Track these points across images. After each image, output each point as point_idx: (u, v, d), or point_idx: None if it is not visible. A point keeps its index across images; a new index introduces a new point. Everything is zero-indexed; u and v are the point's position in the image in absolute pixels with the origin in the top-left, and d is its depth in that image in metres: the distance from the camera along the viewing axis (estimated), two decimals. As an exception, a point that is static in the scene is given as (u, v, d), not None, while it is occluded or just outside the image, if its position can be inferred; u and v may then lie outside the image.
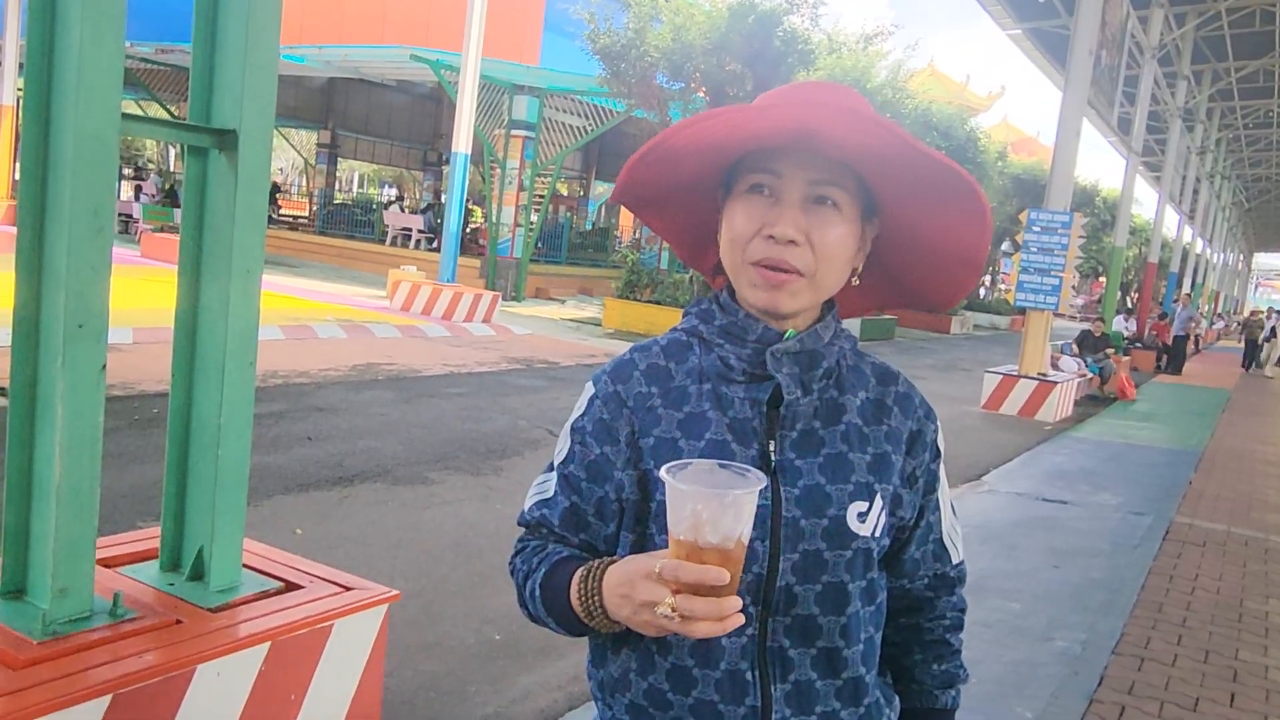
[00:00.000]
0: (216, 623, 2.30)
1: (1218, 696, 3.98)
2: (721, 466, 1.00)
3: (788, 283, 1.11)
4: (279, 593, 2.52)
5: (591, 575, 1.07)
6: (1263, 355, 25.30)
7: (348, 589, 2.60)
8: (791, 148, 1.09)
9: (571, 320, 17.37)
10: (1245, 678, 4.21)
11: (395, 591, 2.67)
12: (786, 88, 1.17)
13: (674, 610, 0.94)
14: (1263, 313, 27.89)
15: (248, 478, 2.53)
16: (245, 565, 2.58)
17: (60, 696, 1.89)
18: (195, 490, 2.49)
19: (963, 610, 1.32)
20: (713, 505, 0.93)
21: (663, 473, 0.97)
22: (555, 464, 1.23)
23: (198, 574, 2.48)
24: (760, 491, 1.07)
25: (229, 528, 2.48)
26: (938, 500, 1.26)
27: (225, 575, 2.48)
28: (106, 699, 1.96)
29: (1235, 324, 52.17)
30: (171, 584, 2.47)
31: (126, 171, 33.99)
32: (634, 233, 29.01)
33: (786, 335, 1.15)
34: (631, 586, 1.00)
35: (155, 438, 6.11)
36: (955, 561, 1.29)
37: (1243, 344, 27.67)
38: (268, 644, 2.31)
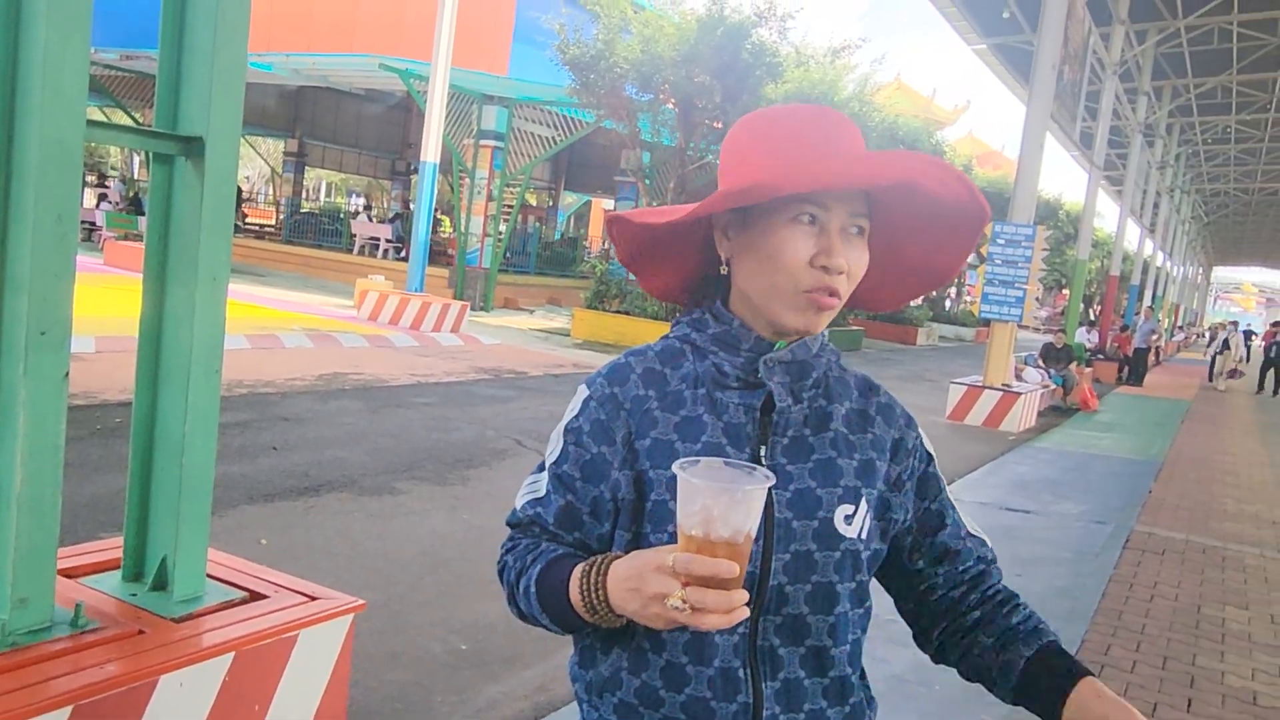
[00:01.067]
0: (180, 633, 2.28)
1: (1175, 702, 4.04)
2: (728, 464, 1.03)
3: (832, 306, 1.16)
4: (243, 602, 2.51)
5: (595, 569, 1.09)
6: (1215, 368, 24.75)
7: (313, 599, 2.59)
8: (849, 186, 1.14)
9: (540, 330, 17.35)
10: (1202, 684, 4.28)
11: (361, 601, 2.66)
12: (817, 123, 1.18)
13: (685, 602, 0.97)
14: (1223, 326, 27.23)
15: (212, 487, 2.51)
16: (209, 575, 2.57)
17: (20, 708, 1.87)
18: (159, 499, 2.47)
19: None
20: (724, 500, 0.96)
21: (675, 467, 0.99)
22: (547, 464, 1.25)
23: (161, 584, 2.46)
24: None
25: (193, 537, 2.46)
26: (949, 500, 1.31)
27: (189, 585, 2.46)
28: (67, 710, 1.94)
29: (1196, 336, 53.02)
30: (134, 594, 2.44)
31: (90, 179, 33.56)
32: (603, 243, 29.02)
33: (777, 346, 1.20)
34: (641, 580, 1.02)
35: (118, 447, 6.04)
36: (990, 545, 1.34)
37: (1209, 358, 26.87)
38: (231, 654, 2.30)
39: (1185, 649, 4.69)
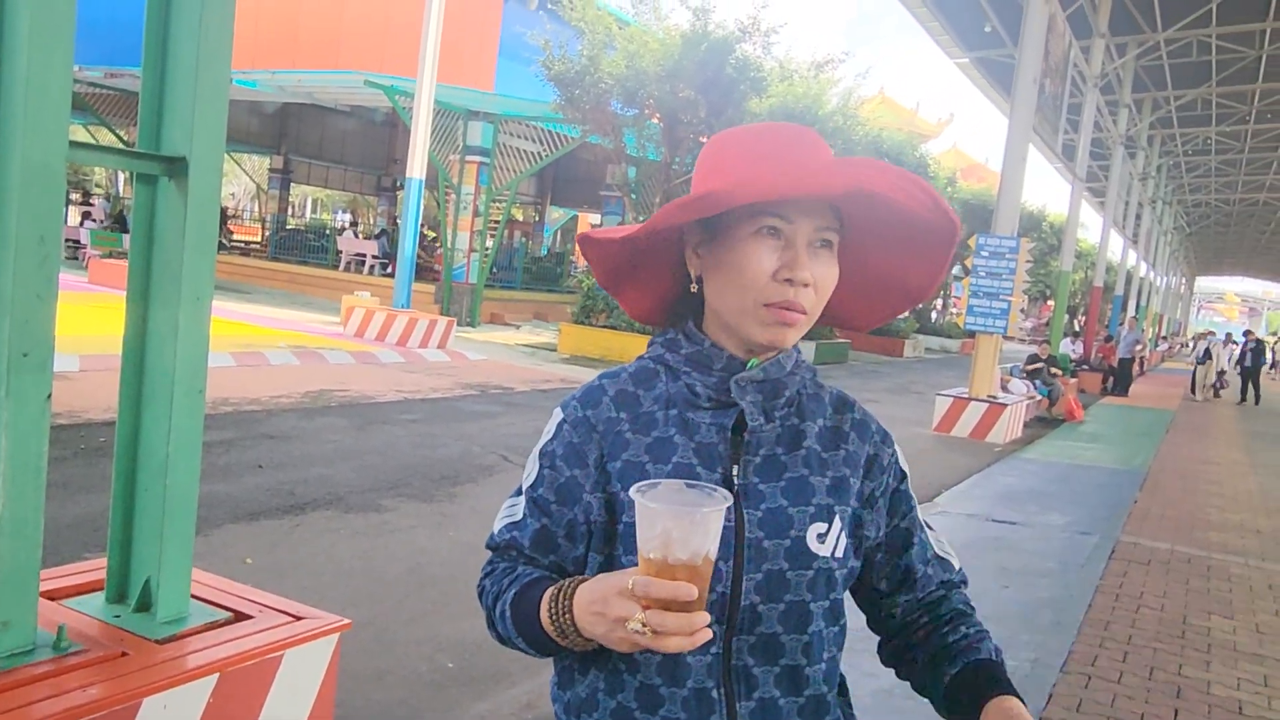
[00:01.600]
0: (164, 654, 2.27)
1: (1162, 713, 4.06)
2: (689, 486, 1.04)
3: (798, 321, 1.15)
4: (228, 623, 2.49)
5: (563, 593, 1.10)
6: (1195, 380, 24.08)
7: (298, 618, 2.57)
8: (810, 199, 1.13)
9: (526, 345, 17.35)
10: (1189, 694, 4.29)
11: (346, 620, 2.65)
12: (785, 138, 1.18)
13: (645, 626, 0.97)
14: (1204, 336, 26.51)
15: (196, 507, 2.50)
16: (194, 596, 2.55)
17: (1, 732, 1.85)
18: (142, 520, 2.45)
19: (968, 603, 1.33)
20: (683, 523, 0.97)
21: (632, 492, 1.00)
22: (524, 488, 1.25)
23: (144, 605, 2.45)
24: (725, 513, 1.10)
25: (177, 558, 2.45)
26: (919, 519, 1.31)
27: (173, 606, 2.44)
28: (49, 734, 1.93)
29: (1180, 345, 53.25)
30: (117, 616, 2.43)
31: (74, 197, 33.43)
32: (589, 258, 29.02)
33: (750, 364, 1.20)
34: (605, 603, 1.03)
35: (102, 467, 6.01)
36: (957, 568, 1.33)
37: (1193, 368, 25.85)
38: (216, 675, 2.28)
39: (1171, 659, 4.71)
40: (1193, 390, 24.56)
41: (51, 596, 2.45)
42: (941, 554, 1.32)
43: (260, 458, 6.87)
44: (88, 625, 2.34)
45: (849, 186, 1.10)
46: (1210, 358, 23.75)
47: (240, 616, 2.53)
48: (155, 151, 2.37)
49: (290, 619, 2.56)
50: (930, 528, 1.34)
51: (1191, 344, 29.88)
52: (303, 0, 22.87)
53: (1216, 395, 24.59)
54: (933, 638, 1.28)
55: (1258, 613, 5.69)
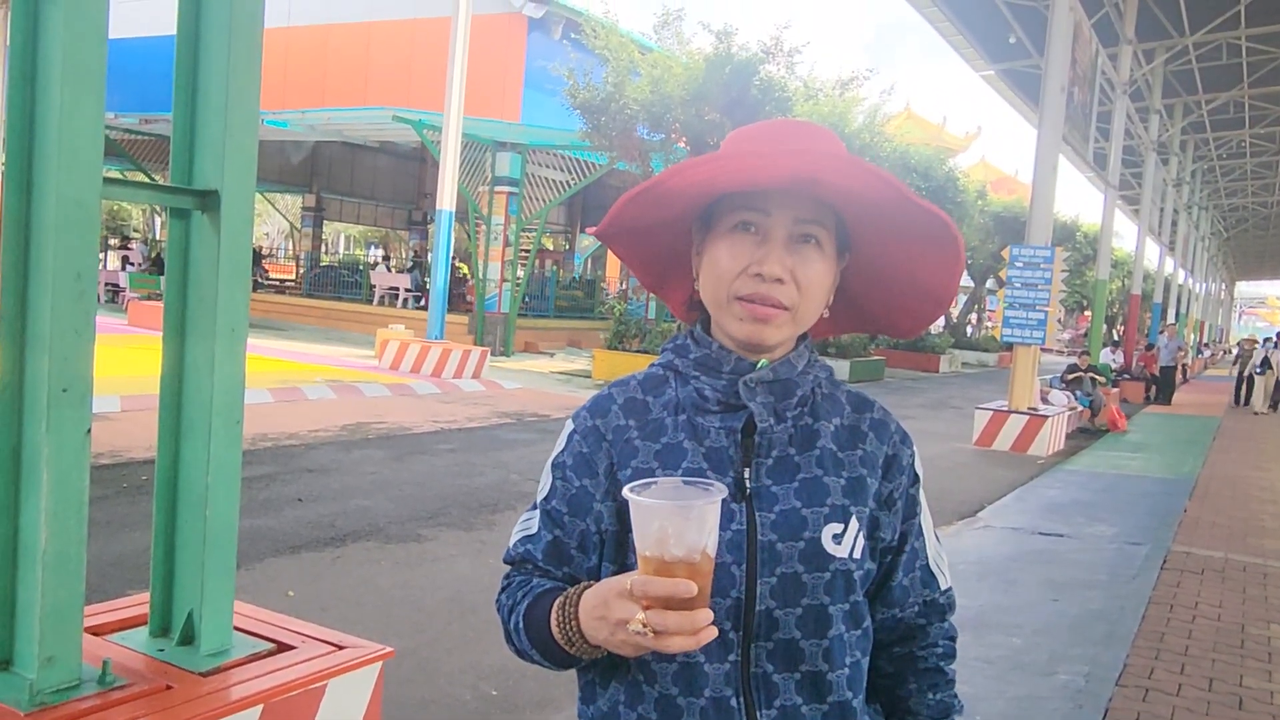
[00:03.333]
0: (207, 687, 2.26)
1: (1224, 725, 3.95)
2: (686, 483, 1.02)
3: (774, 317, 1.13)
4: (271, 654, 2.49)
5: (568, 601, 1.09)
6: (1254, 392, 21.63)
7: (340, 648, 2.57)
8: (783, 189, 1.12)
9: (561, 373, 17.38)
10: (1251, 704, 4.17)
11: (389, 649, 2.64)
12: (770, 130, 1.19)
13: (645, 626, 0.95)
14: (1257, 340, 24.47)
15: (236, 538, 2.50)
16: (236, 627, 2.55)
17: (48, 767, 1.85)
18: (183, 552, 2.46)
19: (954, 638, 1.31)
20: (676, 519, 0.95)
21: (625, 491, 0.99)
22: (538, 501, 1.25)
23: (188, 638, 2.45)
24: (736, 517, 1.09)
25: (219, 589, 2.45)
26: (920, 525, 1.27)
27: (216, 638, 2.45)
28: (96, 768, 1.93)
29: (1223, 352, 52.26)
30: (161, 649, 2.43)
31: (113, 241, 34.09)
32: (621, 284, 29.14)
33: (759, 365, 1.18)
34: (606, 607, 1.01)
35: (144, 505, 6.06)
36: (944, 588, 1.29)
37: (1235, 376, 24.26)
38: (260, 706, 2.28)
39: (1231, 670, 4.59)
40: (1238, 401, 22.90)
41: (96, 632, 2.46)
42: (933, 568, 1.28)
43: (300, 491, 6.91)
44: (132, 659, 2.35)
45: (793, 174, 1.08)
46: (1271, 367, 21.32)
47: (283, 647, 2.53)
48: (188, 186, 2.39)
49: (333, 649, 2.55)
50: (937, 539, 1.31)
51: (1235, 351, 27.82)
52: (330, 40, 23.26)
53: (1275, 408, 22.04)
54: (899, 689, 1.28)
55: (1318, 620, 5.54)
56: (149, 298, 20.66)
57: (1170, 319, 31.32)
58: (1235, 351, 28.73)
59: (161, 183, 2.49)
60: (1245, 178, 36.86)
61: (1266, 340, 23.14)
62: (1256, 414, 20.57)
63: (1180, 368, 24.77)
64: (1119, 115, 19.43)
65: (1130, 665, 4.55)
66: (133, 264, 25.84)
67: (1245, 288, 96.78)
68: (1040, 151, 12.99)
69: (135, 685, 2.20)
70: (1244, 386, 22.83)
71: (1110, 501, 9.11)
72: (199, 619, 2.42)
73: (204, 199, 2.37)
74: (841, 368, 20.35)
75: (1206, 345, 49.37)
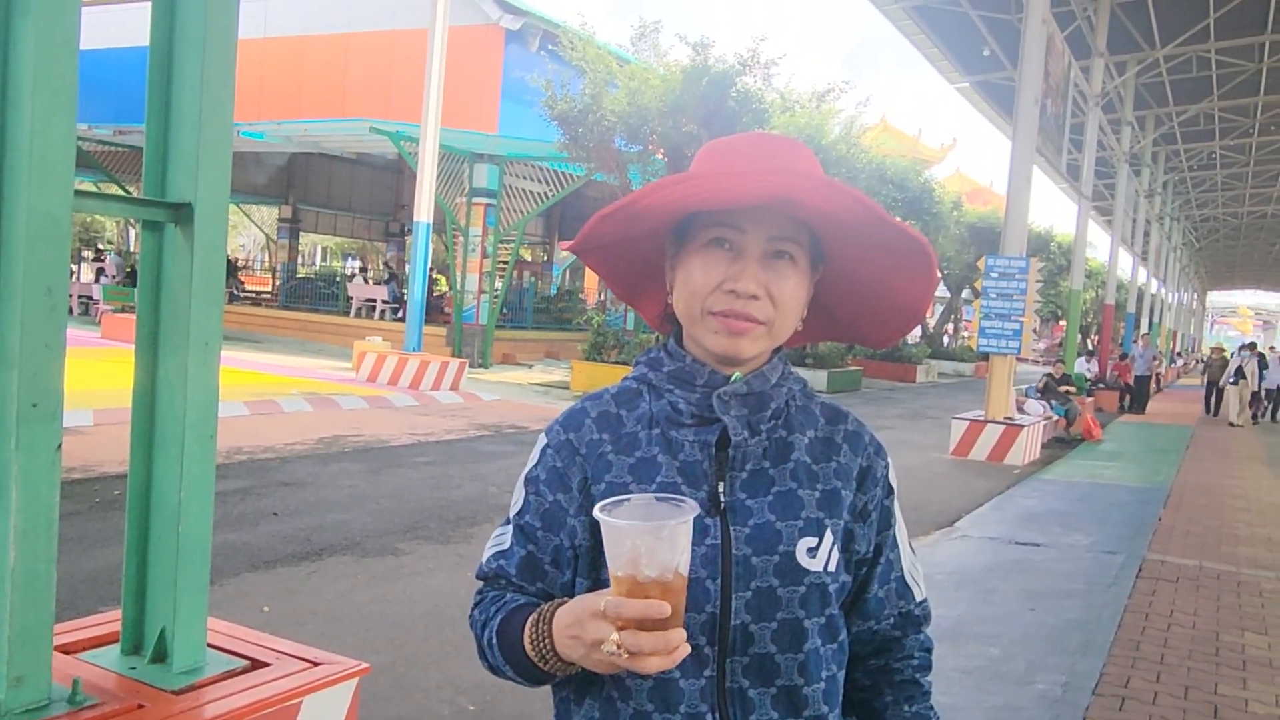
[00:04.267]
0: (180, 705, 2.23)
1: (1200, 732, 3.97)
2: (659, 500, 1.02)
3: (749, 330, 1.13)
4: (245, 671, 2.46)
5: (542, 619, 1.09)
6: (1226, 402, 21.18)
7: (315, 664, 2.54)
8: (757, 206, 1.12)
9: (539, 384, 17.34)
10: (1226, 712, 4.20)
11: (365, 665, 2.62)
12: (744, 145, 1.19)
13: (619, 647, 0.95)
14: (1225, 350, 24.21)
15: (210, 554, 2.48)
16: (210, 645, 2.52)
17: (16, 790, 1.82)
18: (156, 569, 2.43)
19: (929, 650, 1.31)
20: (648, 539, 0.94)
21: (596, 511, 0.98)
22: (510, 516, 1.24)
23: (160, 656, 2.42)
24: (710, 531, 1.08)
25: (192, 607, 2.42)
26: (895, 537, 1.27)
27: (189, 656, 2.41)
28: (65, 790, 1.89)
29: (1196, 361, 52.72)
30: (133, 667, 2.40)
31: (87, 254, 33.80)
32: (599, 295, 29.15)
33: (733, 379, 1.17)
34: (581, 627, 1.01)
35: (117, 521, 5.99)
36: (919, 599, 1.29)
37: (1204, 385, 24.22)
38: (234, 725, 2.25)
39: (1207, 677, 4.62)
40: (1208, 410, 22.69)
41: (66, 650, 2.42)
42: (908, 580, 1.28)
43: (276, 505, 6.85)
44: (103, 678, 2.32)
45: (768, 195, 1.08)
46: (1244, 376, 20.66)
47: (257, 664, 2.50)
48: (161, 198, 2.37)
49: (308, 665, 2.53)
50: (912, 550, 1.31)
51: (1205, 361, 27.29)
52: (307, 51, 23.17)
53: (1255, 419, 21.86)
54: (875, 702, 1.28)
55: (1291, 627, 5.59)
56: (122, 310, 20.49)
57: (1144, 328, 31.63)
58: (1202, 362, 28.58)
59: (135, 195, 2.47)
60: (1215, 189, 37.32)
61: (1241, 349, 22.57)
62: (1233, 425, 20.02)
63: (1154, 377, 24.98)
64: (1091, 127, 19.64)
65: (1107, 674, 4.57)
66: (106, 276, 25.61)
67: (1216, 297, 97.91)
68: (1014, 163, 13.11)
69: (106, 705, 2.17)
70: (1214, 396, 22.62)
71: (1086, 510, 9.17)
72: (171, 636, 2.39)
73: (177, 211, 2.35)
74: (819, 378, 20.41)
75: (1180, 354, 49.86)
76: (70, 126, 2.05)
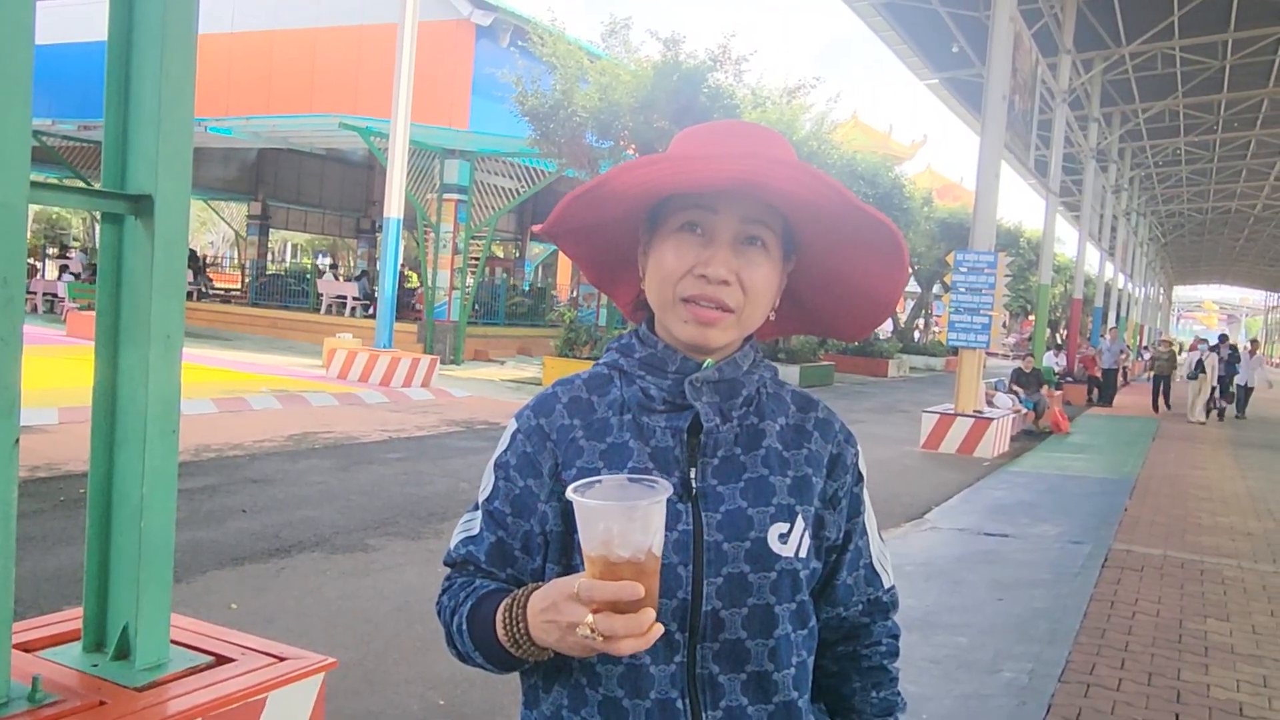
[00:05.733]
0: (143, 702, 2.21)
1: (1163, 718, 4.03)
2: (632, 481, 1.01)
3: (718, 320, 1.13)
4: (209, 667, 2.44)
5: (516, 603, 1.08)
6: (1189, 397, 19.93)
7: (281, 659, 2.52)
8: (729, 190, 1.12)
9: (511, 380, 17.30)
10: (1188, 698, 4.26)
11: (331, 659, 2.60)
12: (719, 131, 1.19)
13: (593, 630, 0.95)
14: (1172, 342, 23.23)
15: (173, 549, 2.45)
16: (173, 641, 2.50)
17: (-26, 788, 1.80)
18: (118, 565, 2.41)
19: (897, 636, 1.32)
20: (620, 520, 0.94)
21: (569, 491, 0.98)
22: (479, 501, 1.23)
23: (123, 653, 2.39)
24: (682, 517, 1.08)
25: (155, 602, 2.40)
26: (864, 524, 1.27)
27: (152, 652, 2.39)
28: (25, 788, 1.87)
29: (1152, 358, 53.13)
30: (95, 665, 2.37)
31: (52, 250, 33.34)
32: (572, 291, 29.09)
33: (705, 365, 1.17)
34: (555, 610, 1.01)
35: (81, 518, 5.90)
36: (887, 586, 1.30)
37: (1151, 380, 22.81)
38: (198, 720, 2.23)
39: (1170, 664, 4.69)
40: (1156, 407, 21.35)
41: (27, 648, 2.39)
42: (877, 567, 1.29)
43: (244, 502, 6.79)
44: (64, 675, 2.29)
45: (738, 177, 1.08)
46: (1204, 371, 19.68)
47: (222, 660, 2.48)
48: (120, 190, 2.34)
49: (273, 660, 2.51)
50: (880, 538, 1.32)
51: (1149, 354, 25.55)
52: (275, 46, 22.96)
53: (1220, 415, 21.13)
54: (843, 688, 1.29)
55: (1253, 614, 5.68)
56: (88, 308, 20.21)
57: (1111, 323, 31.98)
58: (1149, 354, 26.51)
59: (94, 187, 2.44)
60: (1181, 185, 37.77)
61: (1206, 343, 21.73)
62: (1191, 423, 19.13)
63: (1121, 370, 25.24)
64: (1059, 123, 19.81)
65: (1073, 662, 4.63)
66: (71, 273, 25.26)
67: (1183, 292, 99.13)
68: (983, 158, 13.21)
69: (67, 702, 2.14)
70: (1162, 392, 21.58)
71: (1054, 502, 9.27)
72: (134, 633, 2.37)
73: (137, 203, 2.32)
74: (791, 373, 20.48)
75: (1146, 348, 50.43)
76: (25, 116, 2.03)
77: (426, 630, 4.60)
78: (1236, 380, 21.63)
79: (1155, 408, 21.55)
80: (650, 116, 15.31)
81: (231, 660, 2.48)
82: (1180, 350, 25.87)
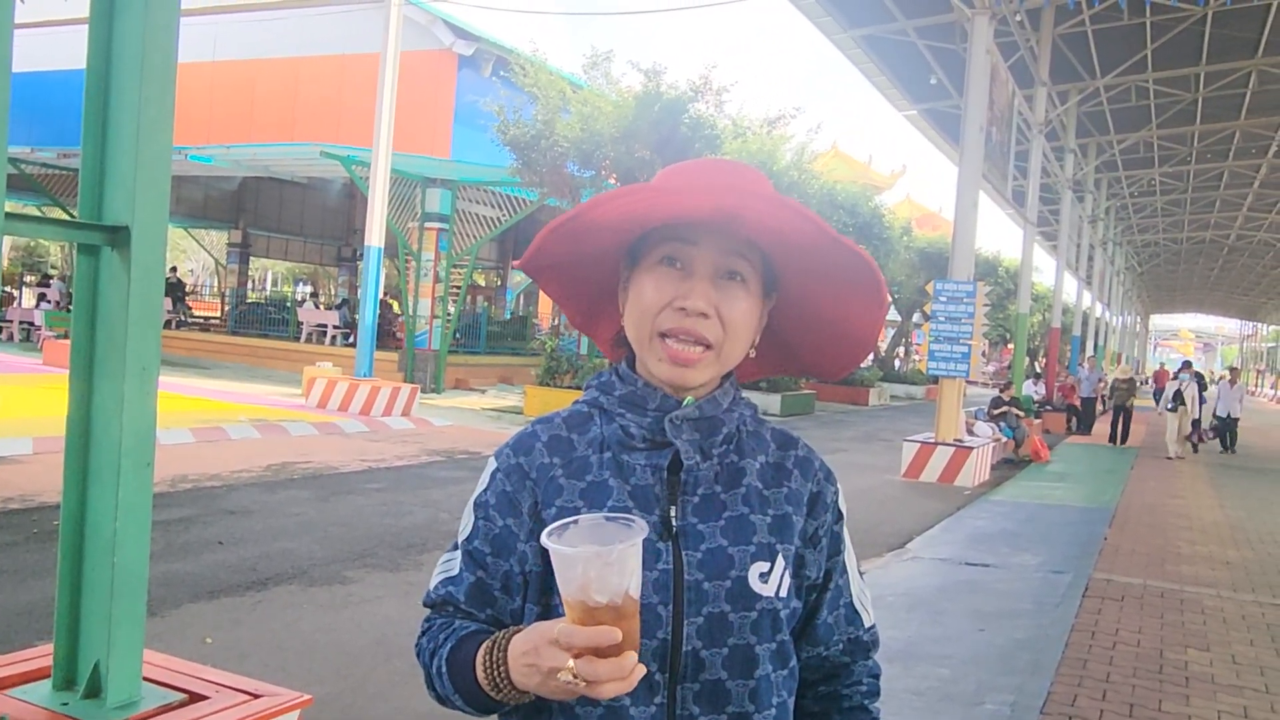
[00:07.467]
0: (113, 741, 2.17)
1: (1145, 750, 4.01)
2: (609, 519, 1.00)
3: (696, 360, 1.13)
4: (182, 705, 2.40)
5: (496, 646, 1.06)
6: (1167, 431, 18.09)
7: (256, 696, 2.48)
8: (709, 223, 1.12)
9: (492, 410, 17.24)
10: (1170, 729, 4.25)
11: (307, 697, 2.56)
12: (699, 167, 1.19)
13: (575, 676, 0.94)
14: (1130, 375, 21.58)
15: (146, 585, 2.42)
16: (146, 678, 2.46)
17: (-63, 832, 1.75)
18: (90, 601, 2.37)
19: (878, 676, 1.31)
20: (596, 564, 0.93)
21: (544, 538, 0.97)
22: (459, 541, 1.22)
23: (94, 691, 2.35)
24: (662, 556, 1.07)
25: (127, 639, 2.36)
26: (844, 563, 1.26)
27: (123, 690, 2.35)
28: (-10, 832, 1.83)
29: (1140, 383, 53.49)
30: (65, 703, 2.33)
31: (30, 279, 33.09)
32: (553, 319, 29.10)
33: (685, 403, 1.17)
34: (536, 655, 0.99)
35: (55, 552, 5.84)
36: (867, 625, 1.29)
37: (1111, 410, 21.27)
38: (170, 760, 2.19)
39: (1151, 695, 4.68)
40: (1114, 440, 19.85)
41: (-5, 686, 2.35)
42: (857, 606, 1.28)
43: (221, 534, 6.71)
44: (34, 715, 2.25)
45: (716, 209, 1.08)
46: (1183, 403, 18.26)
47: (195, 698, 2.44)
48: (97, 221, 2.33)
49: (248, 698, 2.47)
50: (860, 576, 1.31)
51: (1110, 384, 22.96)
52: (258, 75, 22.98)
53: (1195, 449, 19.61)
54: None
55: (1233, 644, 5.69)
56: (64, 336, 20.04)
57: (1089, 351, 32.23)
58: (1103, 383, 24.89)
59: (70, 218, 2.42)
60: (1156, 215, 38.22)
61: (1182, 374, 20.12)
62: (1170, 459, 17.44)
63: (1100, 399, 25.40)
64: (1036, 154, 20.04)
65: (1054, 693, 4.61)
66: (49, 302, 25.07)
67: (1159, 320, 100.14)
68: (961, 188, 13.33)
69: (35, 742, 2.10)
70: (1120, 425, 19.94)
71: (1034, 531, 9.29)
72: (105, 670, 2.33)
73: (114, 235, 2.31)
74: (772, 401, 20.51)
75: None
76: (1, 144, 2.01)
77: (405, 664, 4.55)
78: (1217, 411, 20.46)
79: (1112, 439, 19.97)
80: (632, 146, 15.40)
81: (205, 698, 2.44)
82: (1146, 381, 24.82)
